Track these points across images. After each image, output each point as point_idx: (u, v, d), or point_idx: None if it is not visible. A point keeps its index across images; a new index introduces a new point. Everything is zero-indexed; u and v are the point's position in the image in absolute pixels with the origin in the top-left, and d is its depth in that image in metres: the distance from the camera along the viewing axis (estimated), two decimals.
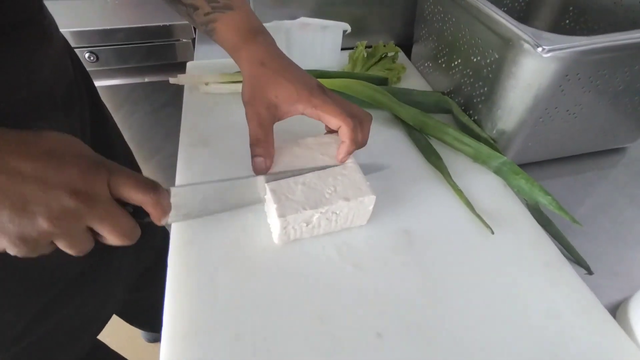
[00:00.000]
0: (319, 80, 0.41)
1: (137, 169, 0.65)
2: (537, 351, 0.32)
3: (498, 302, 0.35)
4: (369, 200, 0.36)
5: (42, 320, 0.41)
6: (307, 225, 0.36)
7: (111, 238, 0.27)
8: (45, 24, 0.38)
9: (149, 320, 0.93)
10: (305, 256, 0.37)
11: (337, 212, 0.36)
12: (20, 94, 0.34)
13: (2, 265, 0.35)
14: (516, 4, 0.66)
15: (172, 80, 0.55)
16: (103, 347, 0.67)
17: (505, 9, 0.65)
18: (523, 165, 0.47)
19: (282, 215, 0.33)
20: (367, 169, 0.39)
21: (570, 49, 0.37)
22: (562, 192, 0.48)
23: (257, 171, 0.36)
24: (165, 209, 0.30)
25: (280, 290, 0.35)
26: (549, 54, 0.36)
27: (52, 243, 0.25)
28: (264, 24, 0.43)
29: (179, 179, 0.44)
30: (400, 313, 0.33)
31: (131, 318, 0.91)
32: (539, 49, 0.36)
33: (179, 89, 0.57)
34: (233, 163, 0.46)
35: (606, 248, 0.43)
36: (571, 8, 0.62)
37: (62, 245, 0.26)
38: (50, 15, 0.40)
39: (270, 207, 0.35)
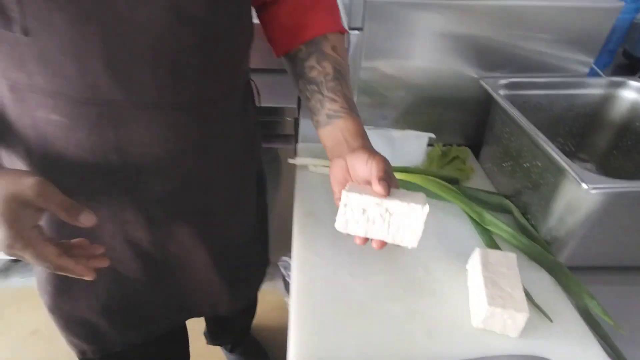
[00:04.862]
0: (404, 174, 0.60)
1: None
2: None
3: None
4: (423, 210, 0.38)
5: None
6: (363, 214, 0.40)
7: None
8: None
9: (232, 339, 1.08)
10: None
11: (391, 212, 0.39)
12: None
13: None
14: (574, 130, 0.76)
15: (290, 160, 0.73)
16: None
17: (567, 127, 0.76)
18: (579, 268, 0.55)
19: (347, 190, 0.40)
20: None
21: (614, 189, 0.47)
22: (614, 300, 0.53)
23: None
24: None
25: None
26: (594, 192, 0.47)
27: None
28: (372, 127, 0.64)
29: (295, 242, 0.60)
30: None
31: (216, 337, 1.07)
32: (584, 186, 0.48)
33: (275, 158, 0.75)
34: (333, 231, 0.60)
35: None
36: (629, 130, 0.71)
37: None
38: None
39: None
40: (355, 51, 0.71)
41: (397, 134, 0.72)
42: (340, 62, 0.49)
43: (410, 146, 0.72)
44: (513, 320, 0.46)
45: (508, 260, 0.52)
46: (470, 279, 0.54)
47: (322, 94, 0.47)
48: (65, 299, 0.55)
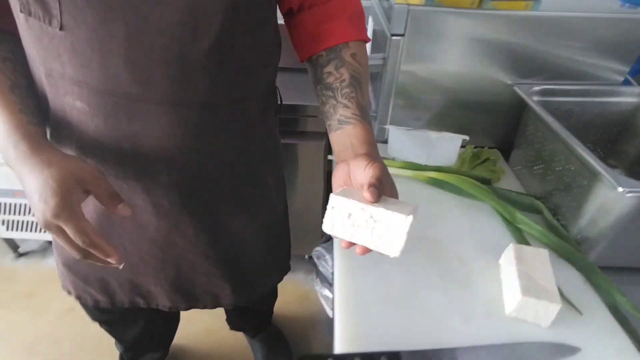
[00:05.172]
0: (438, 173, 0.64)
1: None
2: None
3: None
4: (406, 220, 0.37)
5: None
6: (348, 218, 0.39)
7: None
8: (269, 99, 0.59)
9: (253, 327, 1.12)
10: None
11: (375, 219, 0.38)
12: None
13: None
14: (604, 137, 0.79)
15: (330, 156, 0.78)
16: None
17: (597, 134, 0.79)
18: (608, 268, 0.58)
19: (336, 193, 0.40)
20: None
21: None
22: None
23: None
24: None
25: None
26: (629, 195, 0.50)
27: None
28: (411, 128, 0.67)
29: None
30: None
31: (235, 323, 1.11)
32: (620, 189, 0.51)
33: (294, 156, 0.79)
34: None
35: None
36: None
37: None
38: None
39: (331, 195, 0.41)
40: (395, 56, 0.75)
41: (434, 135, 0.75)
42: (359, 70, 0.50)
43: (444, 147, 0.76)
44: (545, 310, 0.50)
45: (540, 255, 0.55)
46: (503, 272, 0.57)
47: (336, 100, 0.48)
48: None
